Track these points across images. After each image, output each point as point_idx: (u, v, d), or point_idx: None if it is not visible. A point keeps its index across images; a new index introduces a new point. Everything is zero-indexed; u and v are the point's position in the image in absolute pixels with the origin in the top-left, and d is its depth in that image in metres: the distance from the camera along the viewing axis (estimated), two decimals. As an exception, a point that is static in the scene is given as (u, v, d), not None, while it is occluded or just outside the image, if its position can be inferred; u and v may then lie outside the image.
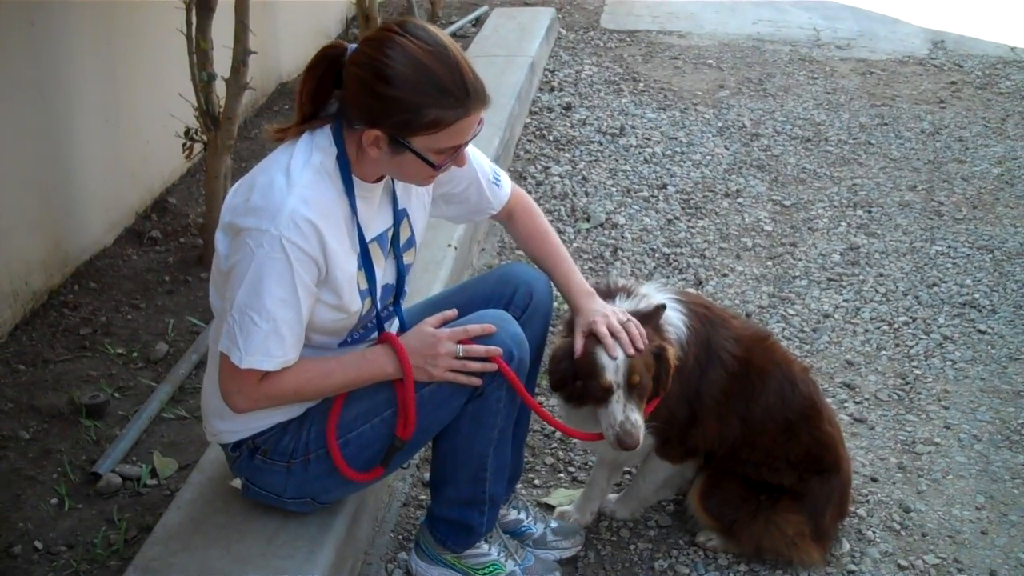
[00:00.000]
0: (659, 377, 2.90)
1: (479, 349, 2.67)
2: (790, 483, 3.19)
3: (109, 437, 3.61)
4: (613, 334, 2.83)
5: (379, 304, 2.77)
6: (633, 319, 2.88)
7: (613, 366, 2.79)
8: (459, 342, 2.66)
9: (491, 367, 2.67)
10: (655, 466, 3.28)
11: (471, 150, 2.96)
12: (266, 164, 2.56)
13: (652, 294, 3.07)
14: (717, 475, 3.25)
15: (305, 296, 2.49)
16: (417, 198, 2.88)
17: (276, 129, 2.63)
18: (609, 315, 2.86)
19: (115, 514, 3.28)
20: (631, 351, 2.81)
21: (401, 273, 2.85)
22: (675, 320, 3.02)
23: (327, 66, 2.53)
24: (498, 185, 3.05)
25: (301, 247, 2.44)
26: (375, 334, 2.81)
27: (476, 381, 2.68)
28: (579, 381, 2.88)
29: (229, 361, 2.51)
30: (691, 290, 4.80)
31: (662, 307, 2.96)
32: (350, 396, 2.72)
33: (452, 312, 2.76)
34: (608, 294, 3.05)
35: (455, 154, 2.56)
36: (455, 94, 2.43)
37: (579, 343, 2.86)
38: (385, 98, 2.41)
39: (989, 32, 8.84)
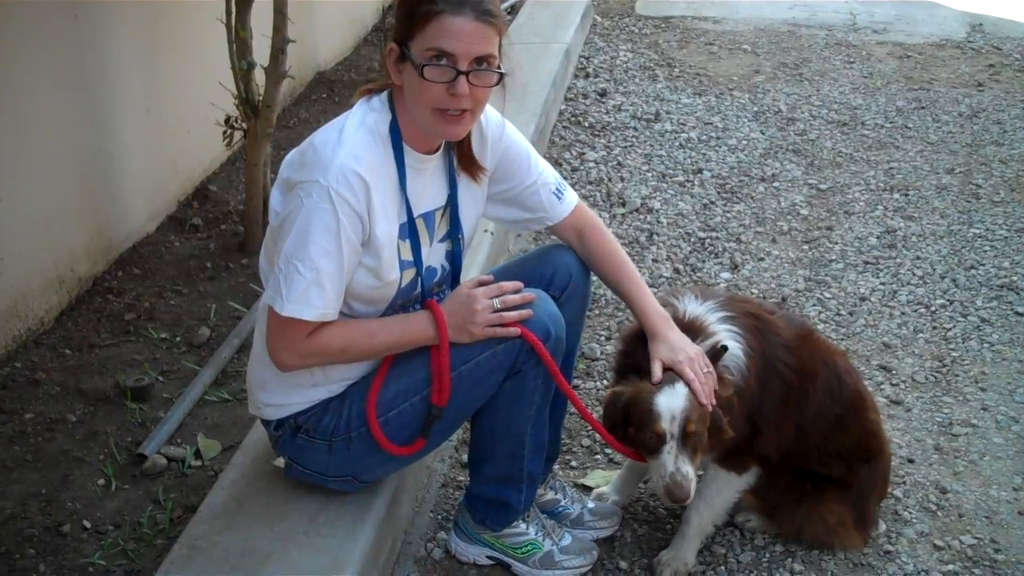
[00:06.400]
0: (712, 431, 2.83)
1: (515, 299, 2.73)
2: (839, 474, 3.18)
3: (154, 419, 3.68)
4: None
5: (426, 283, 2.81)
6: (711, 369, 2.83)
7: (669, 415, 2.73)
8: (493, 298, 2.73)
9: (527, 314, 2.72)
10: (721, 482, 3.15)
11: (535, 156, 2.99)
12: (324, 127, 2.67)
13: (709, 320, 2.96)
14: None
15: (349, 251, 2.55)
16: (468, 189, 2.90)
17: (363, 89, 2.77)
18: (694, 359, 2.82)
19: (161, 494, 3.35)
20: (704, 402, 2.77)
21: (456, 255, 2.90)
22: (735, 351, 2.92)
23: None
24: (559, 197, 3.03)
25: (348, 201, 2.52)
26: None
27: (514, 332, 2.71)
28: (631, 428, 2.85)
29: (274, 312, 2.57)
30: (729, 276, 4.82)
31: (724, 349, 2.87)
32: (389, 375, 2.77)
33: (489, 277, 2.82)
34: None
35: (445, 65, 2.53)
36: None
37: (657, 369, 2.81)
38: (400, 6, 2.59)
39: (1028, 14, 8.75)
